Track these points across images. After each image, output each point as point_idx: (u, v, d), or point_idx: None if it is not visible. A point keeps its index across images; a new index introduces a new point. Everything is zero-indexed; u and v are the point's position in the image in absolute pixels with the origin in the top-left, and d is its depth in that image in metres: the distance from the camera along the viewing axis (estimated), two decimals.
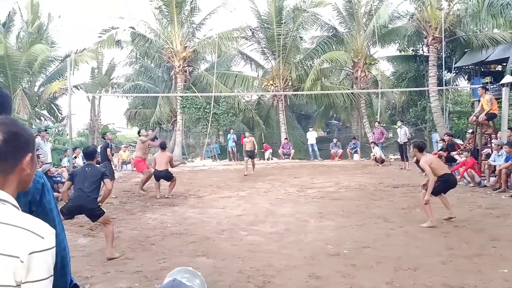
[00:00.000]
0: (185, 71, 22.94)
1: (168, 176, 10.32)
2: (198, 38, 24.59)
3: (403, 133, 16.94)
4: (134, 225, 7.19)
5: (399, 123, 17.68)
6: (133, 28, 23.07)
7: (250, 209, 8.47)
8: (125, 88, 26.90)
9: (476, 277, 4.36)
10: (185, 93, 22.90)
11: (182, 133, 23.26)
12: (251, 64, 26.00)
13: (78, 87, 26.40)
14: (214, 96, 22.37)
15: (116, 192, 11.11)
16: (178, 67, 22.70)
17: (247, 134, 16.23)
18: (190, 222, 7.37)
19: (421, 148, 7.03)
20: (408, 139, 16.93)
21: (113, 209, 8.75)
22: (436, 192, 6.91)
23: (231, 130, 22.24)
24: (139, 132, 12.35)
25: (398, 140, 17.05)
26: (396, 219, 7.20)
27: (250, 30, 23.77)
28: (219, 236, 6.38)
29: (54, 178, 10.14)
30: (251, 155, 14.70)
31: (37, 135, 12.43)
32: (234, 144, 21.72)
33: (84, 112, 30.83)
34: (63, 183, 10.34)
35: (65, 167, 11.68)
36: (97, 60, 27.75)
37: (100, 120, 30.81)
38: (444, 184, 7.01)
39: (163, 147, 10.82)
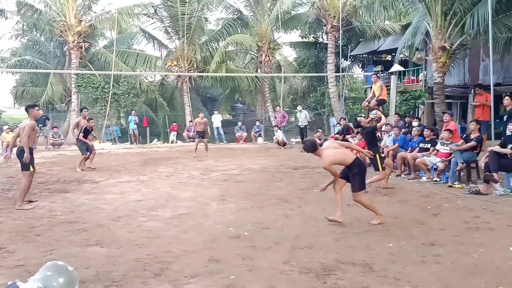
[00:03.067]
0: (81, 47, 21.34)
1: None
2: (95, 12, 23.01)
3: (303, 117, 17.71)
4: (18, 215, 6.49)
5: (299, 108, 18.43)
6: None
7: (150, 194, 8.15)
8: (11, 63, 24.21)
9: (365, 252, 4.64)
10: (81, 70, 21.28)
11: (77, 114, 21.67)
12: (154, 43, 24.98)
13: None
14: (114, 75, 21.14)
15: None
16: (73, 43, 21.01)
17: (201, 114, 15.77)
18: (83, 209, 6.86)
19: (311, 148, 5.88)
20: (308, 122, 17.74)
21: None
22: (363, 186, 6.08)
23: (133, 112, 21.29)
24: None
25: (299, 124, 17.79)
26: (295, 200, 7.43)
27: (153, 7, 22.81)
28: (115, 223, 6.01)
29: None
30: (203, 135, 14.89)
31: None
32: (135, 126, 20.84)
33: None
34: None
35: None
36: None
37: None
38: (363, 173, 5.94)
39: None
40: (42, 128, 17.79)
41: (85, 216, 6.42)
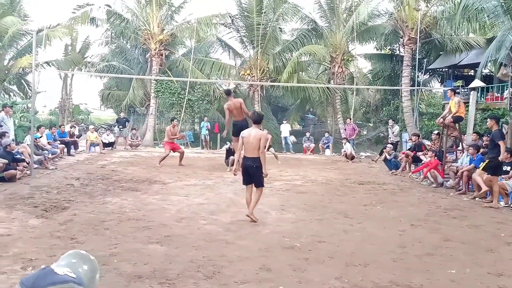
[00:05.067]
0: (161, 55, 22.55)
1: None
2: (176, 22, 24.24)
3: (396, 132, 17.10)
4: (91, 209, 7.01)
5: (390, 122, 17.76)
6: (109, 6, 22.53)
7: (213, 198, 8.40)
8: (99, 68, 26.23)
9: (424, 276, 4.42)
10: (160, 77, 22.51)
11: (155, 117, 22.93)
12: (229, 52, 25.75)
13: (50, 64, 25.61)
14: (190, 82, 22.09)
15: (79, 174, 10.90)
16: (154, 50, 22.29)
17: (265, 131, 16.30)
18: (149, 208, 7.25)
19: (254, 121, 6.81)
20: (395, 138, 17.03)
21: (72, 191, 8.54)
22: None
23: (205, 118, 22.05)
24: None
25: (390, 139, 17.18)
26: (356, 215, 7.25)
27: (230, 17, 23.53)
28: (176, 223, 6.28)
29: (14, 155, 9.79)
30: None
31: (1, 110, 12.03)
32: (207, 132, 21.55)
33: (55, 90, 29.92)
34: (23, 160, 10.05)
35: (28, 144, 11.29)
36: (71, 37, 26.96)
37: (71, 99, 30.03)
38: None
39: None
40: (121, 129, 19.03)
41: (151, 214, 6.78)
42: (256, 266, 4.56)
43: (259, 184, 6.70)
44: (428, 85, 26.02)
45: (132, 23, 23.00)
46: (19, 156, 9.98)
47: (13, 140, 11.64)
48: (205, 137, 21.56)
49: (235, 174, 7.50)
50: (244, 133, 6.76)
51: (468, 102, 14.51)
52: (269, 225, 6.41)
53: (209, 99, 23.81)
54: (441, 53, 21.96)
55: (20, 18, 22.69)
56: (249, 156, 6.61)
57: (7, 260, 4.39)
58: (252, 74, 23.01)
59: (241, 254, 4.94)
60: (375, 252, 5.22)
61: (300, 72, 24.71)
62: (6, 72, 23.02)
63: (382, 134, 25.60)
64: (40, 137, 12.98)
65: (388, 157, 13.98)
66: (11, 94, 25.52)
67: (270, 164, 14.62)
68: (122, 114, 20.55)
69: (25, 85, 25.29)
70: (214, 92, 23.68)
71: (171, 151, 13.70)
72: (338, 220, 6.90)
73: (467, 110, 13.00)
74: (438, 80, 25.92)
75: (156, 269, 4.34)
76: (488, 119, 9.56)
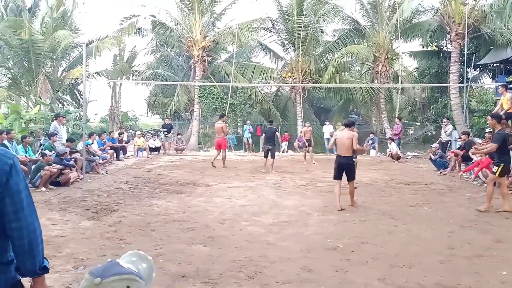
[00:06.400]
0: (204, 61, 22.97)
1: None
2: (218, 28, 24.60)
3: (449, 131, 16.51)
4: (138, 211, 7.28)
5: (444, 121, 17.15)
6: (154, 16, 23.26)
7: (255, 200, 8.47)
8: (145, 76, 27.15)
9: (472, 278, 4.26)
10: (203, 82, 22.97)
11: (198, 122, 23.39)
12: (270, 55, 25.87)
13: (100, 74, 26.80)
14: (232, 86, 22.37)
15: (127, 177, 11.32)
16: (197, 57, 22.76)
17: (307, 124, 17.33)
18: (194, 210, 7.42)
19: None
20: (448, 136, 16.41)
21: (121, 194, 8.89)
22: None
23: (248, 121, 22.24)
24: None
25: (441, 138, 16.60)
26: (402, 217, 7.08)
27: (271, 21, 23.62)
28: (219, 225, 6.40)
29: (66, 161, 10.32)
30: (309, 143, 15.86)
31: (54, 119, 12.74)
32: (250, 135, 21.72)
33: (105, 98, 31.28)
34: (73, 166, 10.56)
35: (79, 151, 11.88)
36: (119, 47, 28.05)
37: (120, 106, 31.23)
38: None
39: None
40: (166, 135, 19.57)
41: (195, 216, 6.94)
42: (298, 267, 4.56)
43: (352, 177, 7.91)
44: (478, 81, 24.87)
45: (176, 32, 23.61)
46: (68, 162, 10.45)
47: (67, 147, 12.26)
48: (247, 140, 21.76)
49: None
50: (337, 134, 8.39)
51: None
52: (312, 227, 6.39)
53: (251, 103, 23.99)
54: (491, 47, 20.94)
55: (71, 31, 23.90)
56: (342, 155, 7.82)
57: (60, 260, 4.65)
58: (293, 76, 22.96)
59: (283, 255, 4.97)
60: (421, 254, 5.08)
61: (343, 73, 24.37)
62: (60, 83, 24.28)
63: (430, 133, 24.75)
64: (92, 143, 13.60)
65: (433, 157, 13.52)
66: (65, 103, 26.90)
67: (313, 166, 14.57)
68: (167, 121, 21.13)
69: (77, 94, 26.56)
70: (256, 96, 23.84)
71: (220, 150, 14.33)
72: (382, 221, 6.76)
73: None
74: (489, 76, 24.72)
75: (199, 269, 4.46)
76: (489, 118, 8.22)
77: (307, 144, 15.83)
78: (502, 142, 7.53)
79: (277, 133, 14.66)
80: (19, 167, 1.75)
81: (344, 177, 7.84)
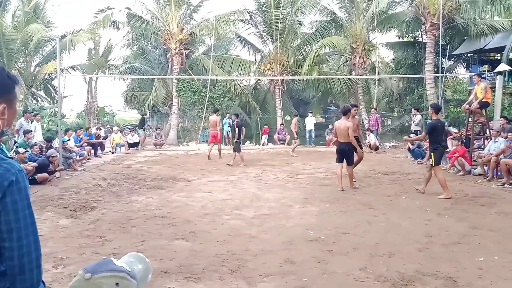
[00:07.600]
0: (182, 54, 22.75)
1: None
2: (195, 21, 24.37)
3: (417, 121, 16.75)
4: (118, 208, 7.18)
5: (413, 111, 17.37)
6: (129, 8, 22.86)
7: (236, 193, 8.47)
8: (122, 70, 26.69)
9: (450, 265, 4.36)
10: (181, 76, 22.73)
11: (177, 116, 23.19)
12: (248, 48, 25.74)
13: (75, 68, 26.26)
14: (211, 79, 22.23)
15: (106, 174, 11.16)
16: (175, 50, 22.51)
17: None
18: (174, 205, 7.37)
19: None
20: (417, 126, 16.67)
21: (100, 191, 8.76)
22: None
23: (227, 115, 22.16)
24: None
25: (412, 128, 16.85)
26: (381, 206, 7.19)
27: (248, 13, 23.53)
28: (201, 220, 6.37)
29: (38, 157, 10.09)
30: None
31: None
32: (229, 128, 21.65)
33: (81, 93, 30.71)
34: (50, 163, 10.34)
35: (56, 147, 11.62)
36: (94, 41, 27.50)
37: (96, 102, 30.68)
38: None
39: None
40: (139, 129, 19.29)
41: (176, 212, 6.89)
42: (280, 259, 4.59)
43: (351, 162, 8.88)
44: (453, 71, 25.39)
45: (152, 24, 23.24)
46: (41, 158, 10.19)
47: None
48: (227, 133, 21.68)
49: None
50: (336, 123, 9.19)
51: (495, 87, 14.10)
52: (293, 219, 6.43)
53: (230, 96, 23.89)
54: (465, 38, 21.38)
55: (44, 25, 23.27)
56: (342, 141, 8.75)
57: None
58: (272, 68, 22.97)
59: (265, 248, 4.98)
60: (400, 243, 5.17)
61: (321, 65, 24.46)
62: (33, 78, 23.68)
63: (407, 124, 25.16)
64: (68, 140, 13.33)
65: (411, 147, 13.75)
66: (39, 99, 26.26)
67: (292, 159, 14.63)
68: (147, 115, 20.90)
69: (52, 90, 25.97)
70: (235, 89, 23.74)
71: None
72: (362, 212, 6.86)
73: (494, 95, 12.63)
74: (463, 66, 25.26)
75: (181, 264, 4.43)
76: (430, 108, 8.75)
77: (296, 136, 16.41)
78: (431, 131, 7.98)
79: (243, 126, 14.90)
80: (22, 185, 1.55)
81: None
